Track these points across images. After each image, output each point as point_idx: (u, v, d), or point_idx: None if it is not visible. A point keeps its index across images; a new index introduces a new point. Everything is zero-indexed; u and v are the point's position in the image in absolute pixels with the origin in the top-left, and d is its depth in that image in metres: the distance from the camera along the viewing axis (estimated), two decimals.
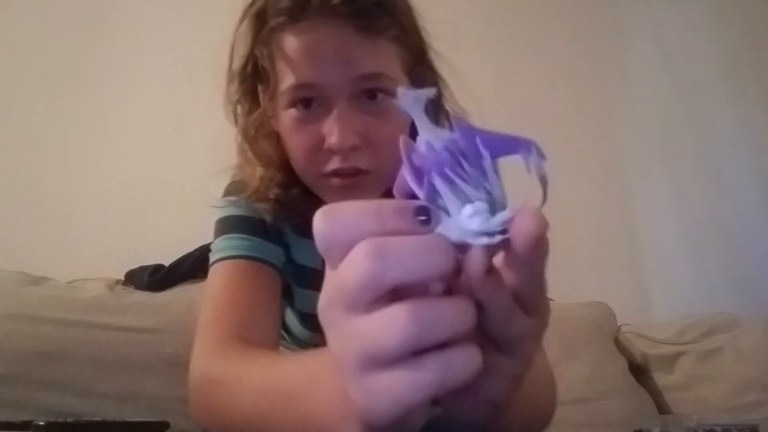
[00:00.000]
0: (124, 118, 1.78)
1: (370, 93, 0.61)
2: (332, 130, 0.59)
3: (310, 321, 0.77)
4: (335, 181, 0.61)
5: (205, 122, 1.79)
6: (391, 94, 0.61)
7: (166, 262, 1.39)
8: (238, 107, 0.68)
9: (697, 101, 2.05)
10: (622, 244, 1.88)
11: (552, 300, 1.58)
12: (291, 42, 0.59)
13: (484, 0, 2.09)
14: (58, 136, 1.73)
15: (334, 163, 0.61)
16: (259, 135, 0.67)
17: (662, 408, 1.38)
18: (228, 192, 0.72)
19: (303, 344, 0.84)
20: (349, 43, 0.58)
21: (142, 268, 1.39)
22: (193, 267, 1.37)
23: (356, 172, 0.61)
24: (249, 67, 0.65)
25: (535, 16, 2.12)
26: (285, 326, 0.83)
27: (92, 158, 1.72)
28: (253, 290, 0.63)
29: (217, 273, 0.66)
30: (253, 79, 0.66)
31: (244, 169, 0.69)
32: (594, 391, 1.32)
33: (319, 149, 0.61)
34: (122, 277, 1.39)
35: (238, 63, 0.66)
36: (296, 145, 0.62)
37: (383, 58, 0.61)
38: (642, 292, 1.81)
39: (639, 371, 1.46)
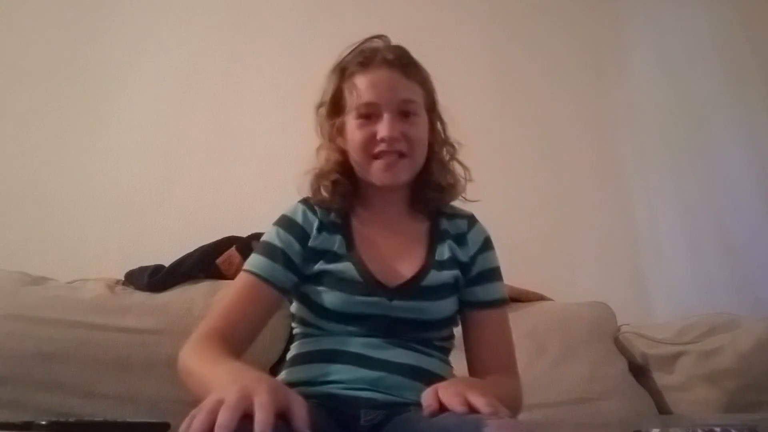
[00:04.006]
0: (125, 119, 1.78)
1: (406, 113, 0.95)
2: (384, 128, 0.92)
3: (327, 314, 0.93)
4: (380, 162, 0.94)
5: (205, 124, 1.80)
6: (418, 115, 0.96)
7: (166, 263, 1.39)
8: (326, 123, 1.01)
9: (696, 102, 2.05)
10: (622, 244, 1.88)
11: (552, 300, 1.58)
12: (361, 80, 0.95)
13: (485, 3, 2.09)
14: (59, 137, 1.73)
15: (381, 147, 0.93)
16: (333, 139, 1.00)
17: (662, 408, 1.38)
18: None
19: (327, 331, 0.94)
20: (396, 79, 0.95)
21: (142, 269, 1.38)
22: (192, 268, 1.37)
23: (400, 154, 0.93)
24: (333, 98, 0.99)
25: (536, 18, 2.12)
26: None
27: (92, 159, 1.72)
28: (249, 303, 0.88)
29: (240, 279, 0.91)
30: (336, 106, 0.99)
31: (320, 159, 1.01)
32: (594, 391, 1.31)
33: (372, 141, 0.94)
34: (122, 278, 1.39)
35: (327, 95, 1.00)
36: (357, 138, 0.95)
37: (415, 92, 0.97)
38: (642, 292, 1.81)
39: (639, 371, 1.45)
